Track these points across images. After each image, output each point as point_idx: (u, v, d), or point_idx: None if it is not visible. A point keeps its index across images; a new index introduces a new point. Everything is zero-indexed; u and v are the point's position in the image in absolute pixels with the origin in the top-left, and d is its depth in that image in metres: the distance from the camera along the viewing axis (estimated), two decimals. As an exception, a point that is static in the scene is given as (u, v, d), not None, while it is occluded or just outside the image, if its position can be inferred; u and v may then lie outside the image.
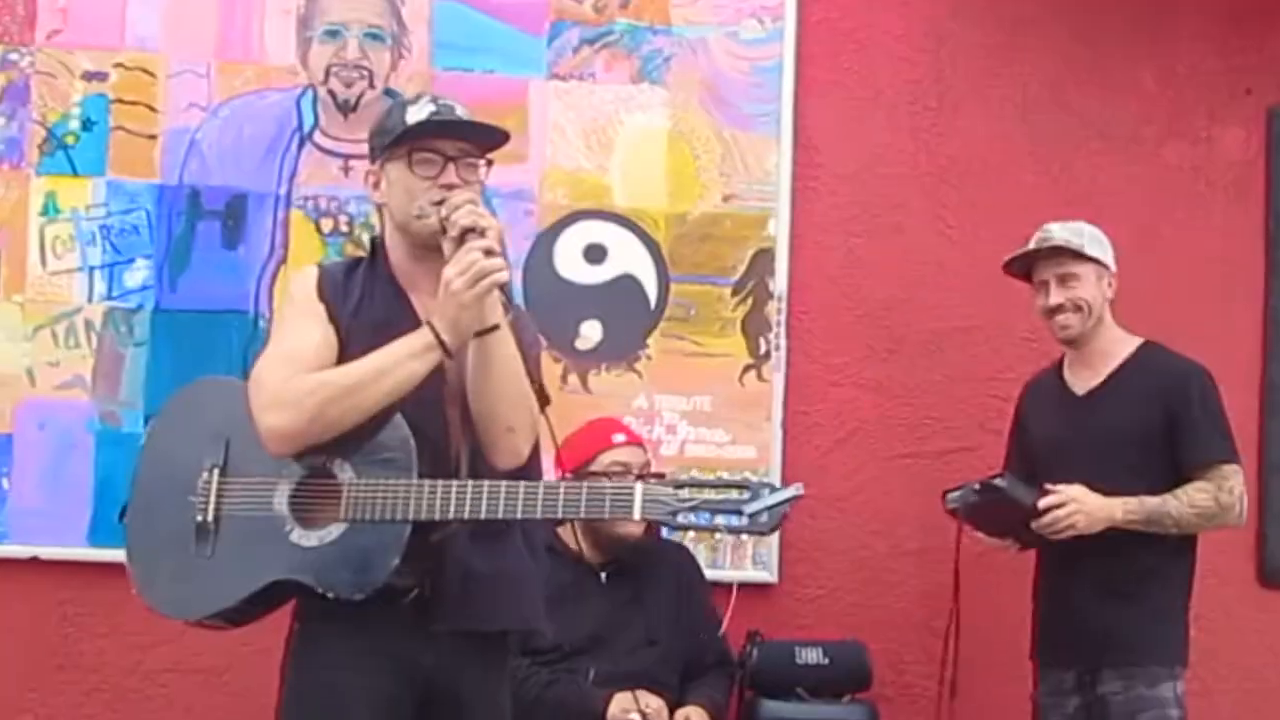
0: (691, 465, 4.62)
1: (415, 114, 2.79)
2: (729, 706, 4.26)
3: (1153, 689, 3.87)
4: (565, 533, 4.03)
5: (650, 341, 4.71)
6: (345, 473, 2.68)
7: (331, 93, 4.66)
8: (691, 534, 2.62)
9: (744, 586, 4.49)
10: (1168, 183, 4.85)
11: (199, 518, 2.75)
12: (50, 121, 4.60)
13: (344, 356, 2.73)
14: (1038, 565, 4.21)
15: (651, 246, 4.72)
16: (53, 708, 4.56)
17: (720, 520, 2.58)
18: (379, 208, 2.92)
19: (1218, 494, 3.87)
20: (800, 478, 4.42)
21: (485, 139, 2.85)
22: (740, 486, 2.61)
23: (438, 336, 2.61)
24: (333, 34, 4.66)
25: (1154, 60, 4.85)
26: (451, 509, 2.60)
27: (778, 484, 2.74)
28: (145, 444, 3.05)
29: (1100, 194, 4.75)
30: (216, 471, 2.78)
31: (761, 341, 4.71)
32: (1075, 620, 4.02)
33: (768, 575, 4.66)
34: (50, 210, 4.60)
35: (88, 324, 4.59)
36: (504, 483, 2.62)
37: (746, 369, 4.71)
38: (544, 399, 2.83)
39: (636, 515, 2.62)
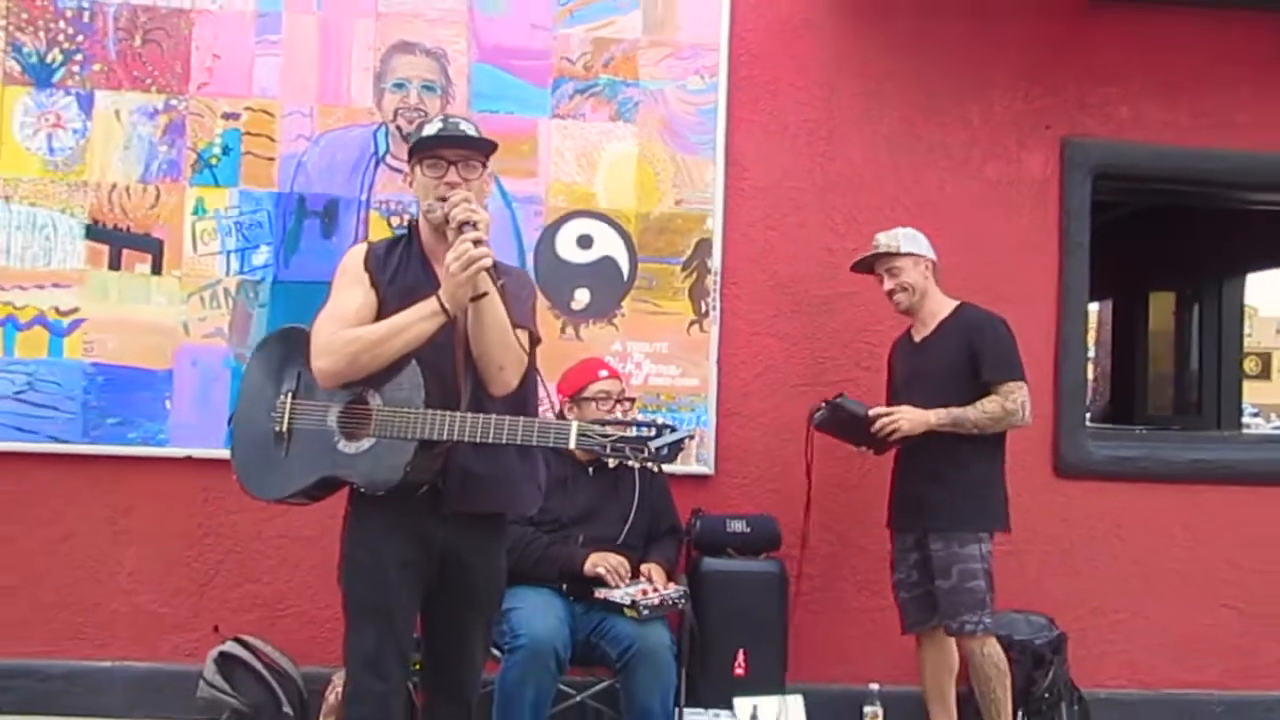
0: (653, 391, 4.90)
1: (428, 130, 2.98)
2: (678, 563, 4.46)
3: (964, 548, 4.18)
4: None
5: (624, 304, 4.94)
6: (375, 400, 2.85)
7: (398, 127, 4.87)
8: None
9: (690, 476, 4.82)
10: (989, 192, 5.10)
11: (277, 428, 2.96)
12: (199, 148, 4.83)
13: (383, 313, 2.90)
14: (894, 459, 4.43)
15: (625, 236, 4.95)
16: (203, 562, 4.83)
17: (630, 452, 2.75)
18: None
19: (1004, 403, 4.15)
20: (729, 402, 4.84)
21: (478, 146, 2.98)
22: (650, 426, 2.79)
23: (441, 304, 2.78)
24: (399, 86, 4.89)
25: (979, 104, 5.12)
26: (447, 432, 2.78)
27: (681, 426, 2.92)
28: (245, 372, 3.19)
29: (941, 200, 5.04)
30: (290, 395, 2.97)
31: (702, 304, 4.94)
32: (913, 499, 4.35)
33: (707, 469, 4.91)
34: (199, 211, 4.83)
35: (225, 291, 4.83)
36: (482, 415, 2.78)
37: (692, 323, 4.94)
38: (535, 339, 3.05)
39: (571, 445, 2.78)
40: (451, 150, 2.94)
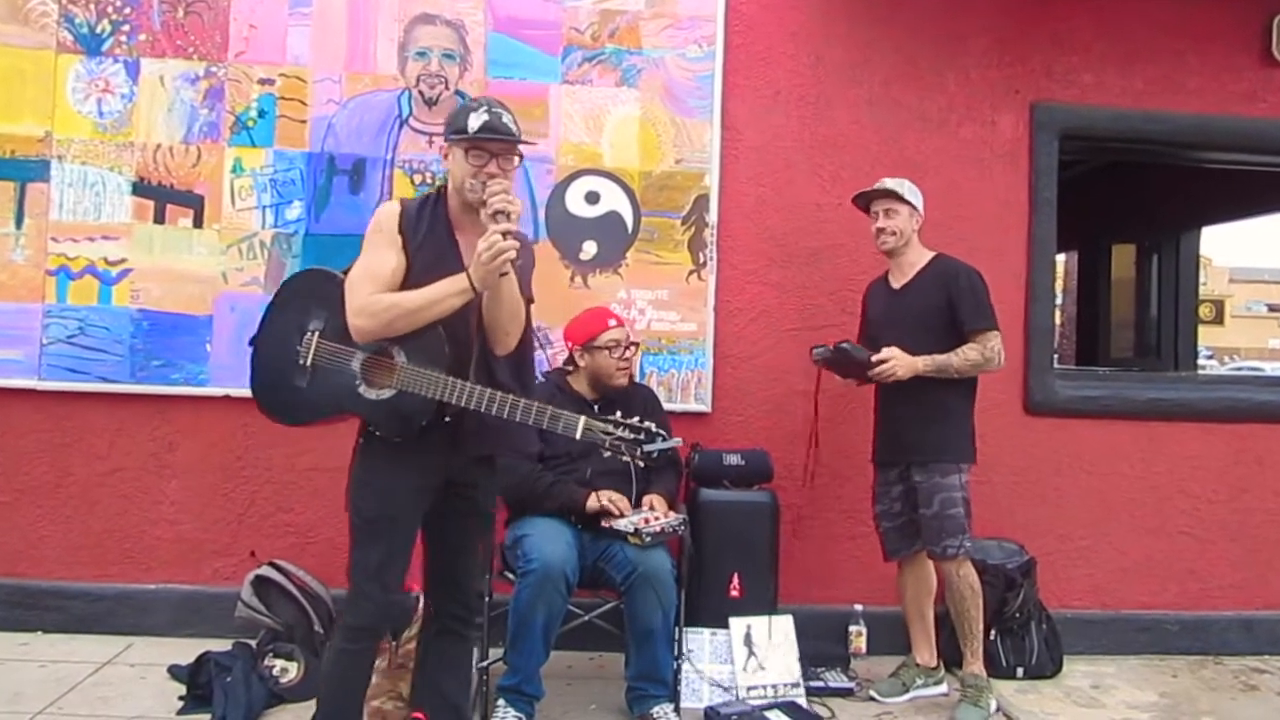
0: (654, 335, 4.41)
1: (474, 121, 2.65)
2: (678, 494, 4.01)
3: (945, 479, 3.78)
4: (575, 381, 3.85)
5: (628, 255, 4.41)
6: (400, 356, 2.65)
7: (420, 93, 4.34)
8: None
9: (689, 414, 4.40)
10: (965, 151, 4.55)
11: (301, 361, 2.72)
12: (237, 111, 4.31)
13: (410, 274, 2.67)
14: (876, 400, 4.00)
15: (629, 193, 4.40)
16: (242, 492, 4.34)
17: (625, 449, 2.60)
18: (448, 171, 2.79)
19: (983, 350, 3.76)
20: (725, 346, 4.43)
21: (518, 141, 2.73)
22: (646, 431, 2.63)
23: (471, 284, 2.58)
24: (421, 54, 4.35)
25: (955, 70, 4.55)
26: (464, 400, 2.60)
27: (668, 435, 2.68)
28: (272, 302, 2.87)
29: (920, 159, 4.49)
30: (317, 334, 2.72)
31: (700, 255, 4.42)
32: (897, 435, 3.90)
33: (705, 408, 4.41)
34: (237, 169, 4.30)
35: (261, 244, 4.30)
36: (499, 392, 2.61)
37: (691, 273, 4.42)
38: (529, 300, 2.80)
39: (577, 436, 2.61)
40: (495, 143, 2.68)
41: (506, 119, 2.69)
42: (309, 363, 2.70)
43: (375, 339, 2.63)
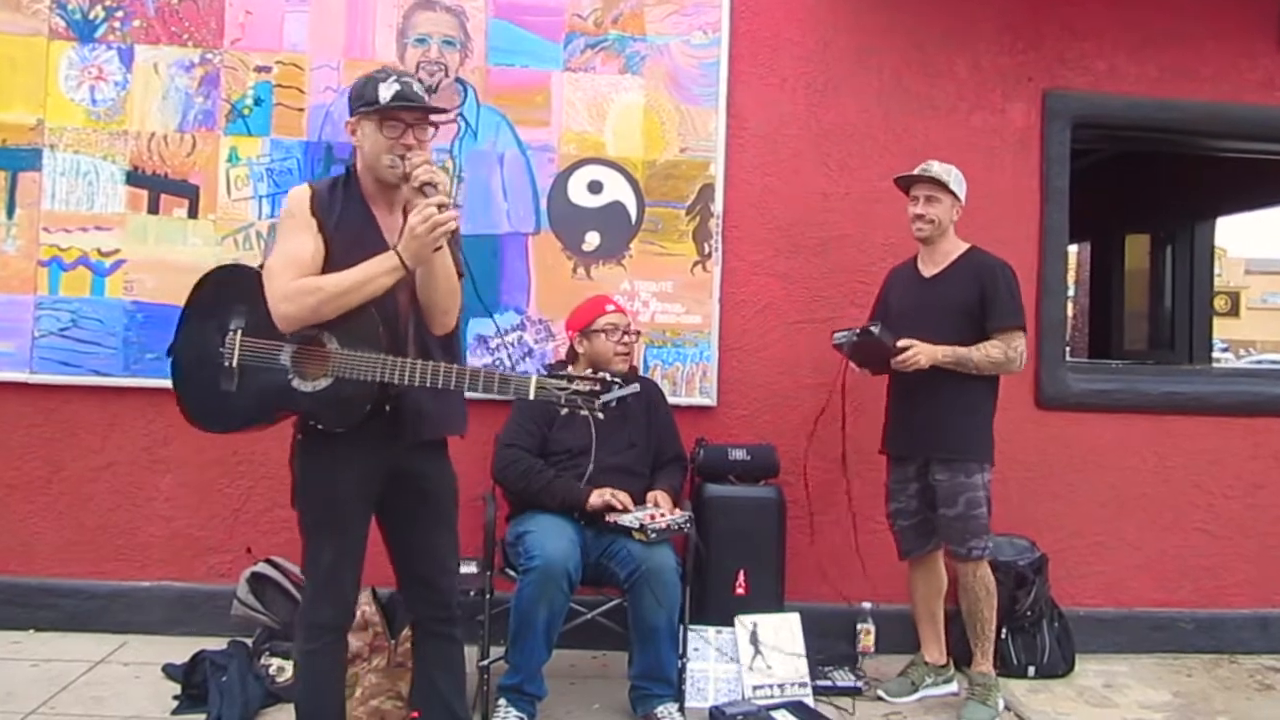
0: (659, 328, 4.33)
1: (385, 91, 2.56)
2: (683, 489, 3.96)
3: (970, 478, 3.69)
4: (575, 372, 3.70)
5: (632, 246, 4.33)
6: (332, 343, 2.53)
7: (420, 80, 4.19)
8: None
9: (694, 408, 4.33)
10: (975, 140, 4.46)
11: (226, 363, 2.58)
12: (233, 99, 4.22)
13: (329, 256, 2.55)
14: (889, 391, 3.91)
15: (633, 182, 4.33)
16: (238, 486, 4.27)
17: (582, 402, 2.49)
18: (356, 146, 2.67)
19: (1006, 350, 3.67)
20: (730, 339, 4.35)
21: (433, 111, 2.69)
22: (600, 381, 2.52)
23: (403, 261, 2.49)
24: (421, 41, 4.27)
25: (965, 57, 4.46)
26: (405, 378, 2.50)
27: (625, 384, 2.55)
28: (187, 307, 2.71)
29: (929, 147, 4.31)
30: (240, 332, 2.58)
31: (705, 245, 4.34)
32: (918, 429, 3.79)
33: (710, 401, 4.34)
34: (233, 159, 4.22)
35: (258, 234, 4.23)
36: (443, 365, 2.51)
37: (695, 264, 4.34)
38: (460, 273, 2.68)
39: (531, 397, 2.51)
40: (409, 113, 2.61)
41: (417, 88, 2.62)
42: (234, 363, 2.58)
43: (302, 326, 2.51)
